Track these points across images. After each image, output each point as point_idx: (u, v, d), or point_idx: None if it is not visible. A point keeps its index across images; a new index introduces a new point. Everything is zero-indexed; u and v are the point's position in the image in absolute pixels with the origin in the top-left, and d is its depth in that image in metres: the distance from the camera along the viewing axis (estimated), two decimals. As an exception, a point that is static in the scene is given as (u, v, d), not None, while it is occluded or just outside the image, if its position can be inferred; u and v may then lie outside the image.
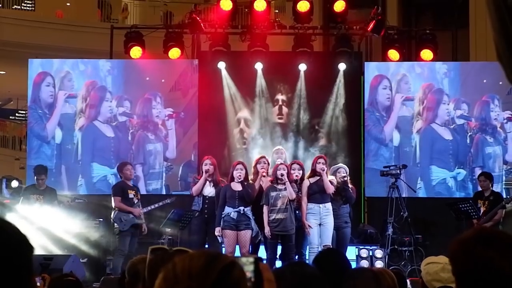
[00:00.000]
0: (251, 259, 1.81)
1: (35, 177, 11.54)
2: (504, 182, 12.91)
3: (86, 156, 13.27)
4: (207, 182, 10.40)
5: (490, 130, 13.18)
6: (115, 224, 10.83)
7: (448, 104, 13.28)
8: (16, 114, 25.90)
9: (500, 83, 12.58)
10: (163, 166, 13.31)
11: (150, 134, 13.37)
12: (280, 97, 13.66)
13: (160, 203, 11.10)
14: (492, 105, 13.17)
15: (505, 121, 13.18)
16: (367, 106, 13.40)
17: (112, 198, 10.91)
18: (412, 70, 13.47)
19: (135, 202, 10.90)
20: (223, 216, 9.96)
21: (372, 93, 13.42)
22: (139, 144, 13.33)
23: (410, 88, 13.39)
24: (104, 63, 13.61)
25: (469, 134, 13.21)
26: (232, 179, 10.12)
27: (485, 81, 13.12)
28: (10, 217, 9.90)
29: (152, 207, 11.02)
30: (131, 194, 10.92)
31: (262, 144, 13.29)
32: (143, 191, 12.51)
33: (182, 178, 13.15)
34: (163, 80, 13.58)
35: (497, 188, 12.14)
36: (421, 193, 13.09)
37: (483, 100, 13.20)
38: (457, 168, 13.14)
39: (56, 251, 10.74)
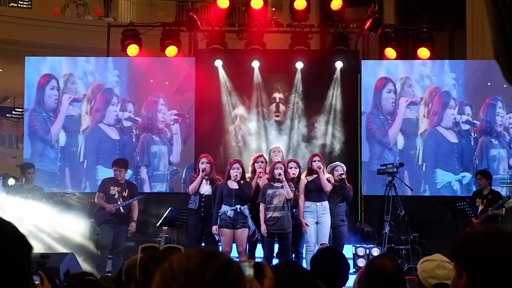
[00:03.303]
0: (252, 263, 1.81)
1: (24, 174, 11.55)
2: (508, 184, 12.89)
3: (91, 158, 13.26)
4: (204, 181, 10.40)
5: (494, 133, 13.16)
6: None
7: (454, 109, 13.24)
8: (13, 112, 25.86)
9: (505, 86, 12.51)
10: (168, 169, 13.30)
11: (155, 136, 13.35)
12: (277, 95, 13.67)
13: (133, 199, 11.10)
14: (498, 108, 13.15)
15: (510, 124, 13.16)
16: (372, 109, 13.35)
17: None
18: (419, 76, 13.41)
19: (116, 197, 10.99)
20: (219, 214, 9.96)
21: (376, 96, 13.36)
22: (143, 147, 13.32)
23: (414, 92, 13.34)
24: (112, 72, 13.52)
25: (474, 136, 13.19)
26: (229, 177, 10.12)
27: (489, 84, 13.05)
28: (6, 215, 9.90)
29: (125, 203, 11.03)
30: (113, 190, 11.09)
31: (259, 142, 13.30)
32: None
33: (186, 181, 13.12)
34: (167, 83, 13.54)
35: (502, 191, 12.14)
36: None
37: (488, 103, 13.15)
38: (462, 171, 13.12)
39: (53, 249, 10.74)
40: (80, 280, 4.46)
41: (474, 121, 13.20)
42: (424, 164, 13.19)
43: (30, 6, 21.99)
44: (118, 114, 13.37)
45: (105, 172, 12.62)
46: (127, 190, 11.13)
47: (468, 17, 15.89)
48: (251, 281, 1.78)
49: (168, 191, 13.26)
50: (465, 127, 13.22)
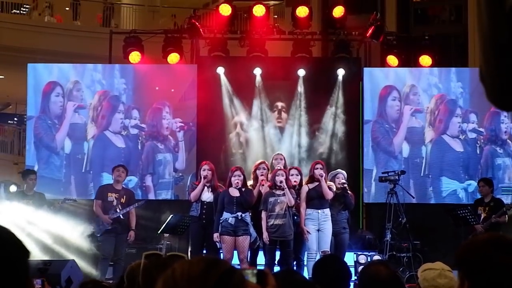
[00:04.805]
0: (255, 271, 1.81)
1: (25, 180, 11.50)
2: None
3: (96, 166, 13.24)
4: (205, 188, 10.39)
5: (499, 142, 13.14)
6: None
7: (461, 117, 13.22)
8: (15, 119, 25.89)
9: None
10: (173, 176, 13.30)
11: (160, 144, 13.35)
12: (279, 102, 13.67)
13: (133, 205, 11.07)
14: (502, 117, 13.13)
15: None
16: (377, 117, 13.35)
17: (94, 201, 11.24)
18: (426, 84, 13.39)
19: (114, 205, 10.94)
20: (221, 221, 9.95)
21: (381, 104, 13.35)
22: (148, 154, 13.31)
23: (419, 100, 13.33)
24: (119, 79, 13.53)
25: (479, 145, 13.18)
26: (230, 185, 10.11)
27: None
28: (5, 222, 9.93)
29: (125, 210, 10.98)
30: (111, 197, 11.01)
31: (260, 149, 13.30)
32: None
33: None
34: (173, 90, 13.55)
35: (507, 199, 12.11)
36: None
37: (493, 111, 13.12)
38: (468, 180, 13.09)
39: (54, 255, 10.74)
40: (96, 286, 4.51)
41: (480, 129, 13.18)
42: (429, 173, 13.17)
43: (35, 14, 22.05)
44: (124, 121, 13.38)
45: (110, 180, 12.62)
46: (124, 196, 11.08)
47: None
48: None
49: (173, 199, 13.25)
50: (472, 135, 13.20)
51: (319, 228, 10.03)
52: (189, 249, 10.93)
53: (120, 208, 10.92)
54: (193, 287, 1.68)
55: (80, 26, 20.52)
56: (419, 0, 17.14)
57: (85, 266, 10.89)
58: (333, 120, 13.51)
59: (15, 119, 25.82)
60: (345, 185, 10.39)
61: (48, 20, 20.84)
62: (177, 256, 3.06)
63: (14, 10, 21.52)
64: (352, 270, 10.23)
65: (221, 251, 10.04)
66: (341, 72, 13.52)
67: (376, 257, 11.16)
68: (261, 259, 10.28)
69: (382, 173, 11.85)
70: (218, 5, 13.73)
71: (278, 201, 9.88)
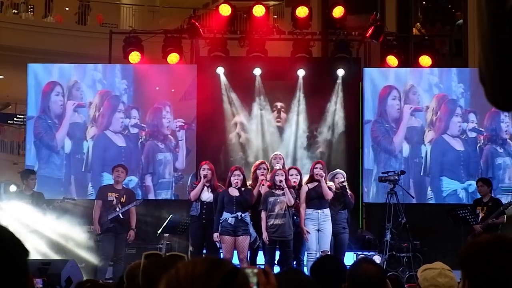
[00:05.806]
0: (256, 270, 1.81)
1: (27, 180, 11.47)
2: None
3: (97, 165, 13.24)
4: (205, 188, 10.39)
5: (500, 141, 13.14)
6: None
7: (461, 117, 13.22)
8: (15, 119, 25.86)
9: None
10: (173, 175, 13.30)
11: (160, 143, 13.36)
12: (279, 102, 13.68)
13: (131, 204, 11.05)
14: (502, 116, 13.13)
15: None
16: (377, 117, 13.36)
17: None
18: (427, 84, 13.39)
19: (114, 204, 10.95)
20: (221, 221, 9.95)
21: (381, 104, 13.36)
22: (149, 154, 13.31)
23: (419, 99, 13.34)
24: (119, 78, 13.54)
25: (479, 145, 13.18)
26: (230, 184, 10.11)
27: None
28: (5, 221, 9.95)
29: (124, 209, 10.96)
30: (111, 196, 11.01)
31: (260, 149, 13.31)
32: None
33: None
34: (173, 90, 13.56)
35: (506, 200, 12.12)
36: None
37: (494, 111, 13.12)
38: (468, 180, 13.06)
39: (54, 256, 10.74)
40: (94, 285, 4.54)
41: (481, 129, 13.19)
42: (430, 172, 13.17)
43: (32, 13, 22.03)
44: (124, 121, 13.38)
45: (110, 179, 12.61)
46: (124, 196, 11.09)
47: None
48: (260, 275, 1.78)
49: (173, 198, 13.25)
50: (472, 134, 13.20)
51: (319, 228, 10.02)
52: (190, 249, 10.93)
53: (120, 208, 10.93)
54: (197, 287, 1.68)
55: (80, 26, 20.50)
56: (419, 34, 17.13)
57: (84, 266, 10.90)
58: (333, 120, 13.52)
59: (15, 119, 25.78)
60: (344, 184, 10.38)
61: (26, 18, 20.84)
62: (177, 256, 3.06)
63: (14, 10, 21.49)
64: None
65: (221, 251, 10.04)
66: (341, 72, 13.53)
67: (376, 257, 11.15)
68: (260, 259, 10.28)
69: (382, 173, 11.86)
70: (218, 5, 13.73)
71: (278, 200, 9.88)
